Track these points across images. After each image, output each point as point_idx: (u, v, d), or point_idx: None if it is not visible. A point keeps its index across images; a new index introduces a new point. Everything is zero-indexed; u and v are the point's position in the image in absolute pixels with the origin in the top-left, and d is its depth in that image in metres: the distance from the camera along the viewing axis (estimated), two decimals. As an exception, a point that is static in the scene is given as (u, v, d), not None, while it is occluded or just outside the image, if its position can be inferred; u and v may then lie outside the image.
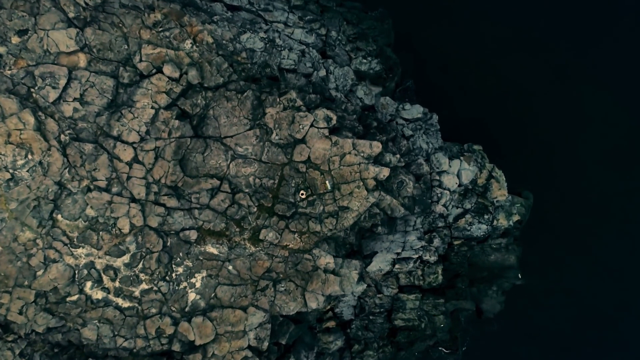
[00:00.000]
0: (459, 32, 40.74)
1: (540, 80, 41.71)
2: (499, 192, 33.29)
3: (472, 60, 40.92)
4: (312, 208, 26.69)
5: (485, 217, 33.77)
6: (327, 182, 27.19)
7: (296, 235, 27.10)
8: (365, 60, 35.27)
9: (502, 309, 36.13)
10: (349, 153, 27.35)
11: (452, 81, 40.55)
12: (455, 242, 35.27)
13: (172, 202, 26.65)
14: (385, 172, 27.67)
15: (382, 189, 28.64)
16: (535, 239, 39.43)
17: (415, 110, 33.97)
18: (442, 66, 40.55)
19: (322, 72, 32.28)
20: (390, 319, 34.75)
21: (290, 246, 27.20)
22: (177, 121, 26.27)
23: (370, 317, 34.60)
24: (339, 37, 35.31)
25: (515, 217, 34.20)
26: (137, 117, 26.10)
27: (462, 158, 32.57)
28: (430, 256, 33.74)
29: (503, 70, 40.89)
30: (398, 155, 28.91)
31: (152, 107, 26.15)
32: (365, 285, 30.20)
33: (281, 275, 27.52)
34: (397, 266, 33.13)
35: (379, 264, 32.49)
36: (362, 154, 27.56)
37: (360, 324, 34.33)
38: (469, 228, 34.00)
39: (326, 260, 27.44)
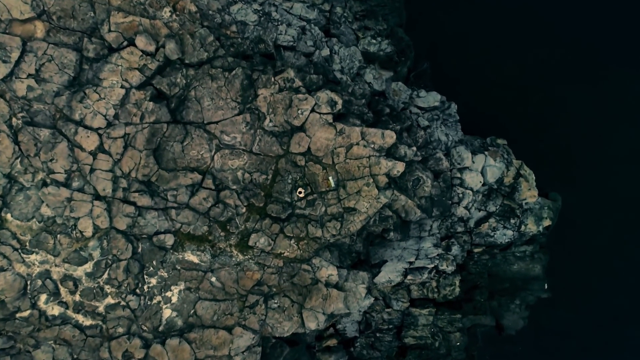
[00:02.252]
0: (478, 12, 36.40)
1: (567, 70, 37.45)
2: (529, 193, 28.92)
3: (492, 45, 36.50)
4: (312, 209, 22.72)
5: (512, 221, 29.43)
6: (330, 178, 22.80)
7: (292, 241, 23.14)
8: (374, 41, 30.94)
9: (526, 325, 32.87)
10: (357, 144, 22.95)
11: (470, 68, 36.08)
12: (476, 250, 31.08)
13: (144, 200, 22.60)
14: (399, 167, 23.28)
15: (396, 187, 24.20)
16: (563, 246, 35.45)
17: (431, 98, 29.72)
18: (458, 51, 36.16)
19: (325, 52, 27.90)
20: (399, 336, 31.25)
21: (285, 254, 23.15)
22: (151, 103, 22.47)
23: (377, 334, 31.06)
24: (345, 14, 31.01)
25: (546, 222, 29.90)
26: (104, 98, 22.32)
27: (486, 153, 28.08)
28: (447, 266, 29.57)
29: (527, 58, 36.64)
30: (414, 148, 24.51)
31: (122, 87, 22.37)
32: (372, 298, 26.00)
33: (274, 289, 23.14)
34: (409, 277, 29.08)
35: (389, 274, 28.54)
36: (372, 145, 23.14)
37: (366, 342, 31.04)
38: (492, 234, 29.72)
39: (328, 271, 23.05)
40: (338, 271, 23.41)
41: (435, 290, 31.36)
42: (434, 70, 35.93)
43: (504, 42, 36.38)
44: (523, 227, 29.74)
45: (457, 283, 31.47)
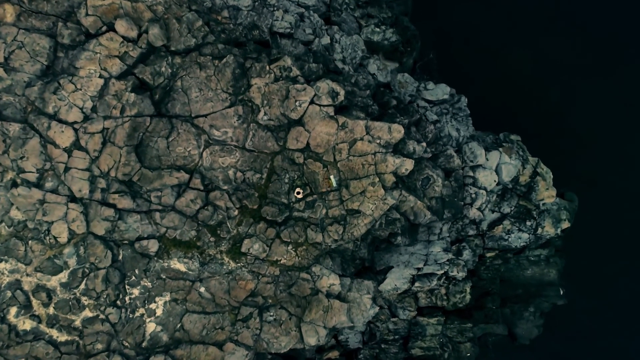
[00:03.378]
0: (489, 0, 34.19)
1: (584, 61, 35.57)
2: (547, 193, 26.74)
3: (503, 35, 34.85)
4: (312, 212, 21.08)
5: (528, 223, 27.29)
6: (331, 177, 20.92)
7: (290, 247, 21.35)
8: (378, 29, 28.86)
9: (540, 334, 31.05)
10: (361, 139, 20.83)
11: (479, 59, 34.44)
12: (488, 255, 29.04)
13: (125, 202, 20.72)
14: (408, 165, 21.15)
15: (404, 187, 22.01)
16: (579, 250, 33.35)
17: (440, 91, 27.59)
18: (467, 41, 34.58)
19: (326, 40, 25.69)
20: (406, 347, 29.24)
21: (282, 262, 21.34)
22: (133, 95, 20.69)
23: (382, 346, 29.00)
24: (347, 1, 28.96)
25: (565, 224, 27.78)
26: (80, 89, 20.52)
27: (501, 150, 25.83)
28: (457, 272, 27.39)
29: (541, 48, 34.91)
30: (424, 144, 22.34)
31: (101, 76, 20.59)
32: (377, 307, 23.73)
33: (270, 301, 21.04)
34: (416, 284, 26.93)
35: (395, 281, 26.43)
36: (378, 141, 20.97)
37: (370, 354, 28.98)
38: (506, 237, 27.61)
39: (329, 280, 20.94)
40: (340, 280, 21.27)
41: (445, 297, 29.38)
42: (441, 61, 33.92)
43: (517, 32, 34.71)
44: (540, 229, 27.60)
45: (468, 290, 29.43)
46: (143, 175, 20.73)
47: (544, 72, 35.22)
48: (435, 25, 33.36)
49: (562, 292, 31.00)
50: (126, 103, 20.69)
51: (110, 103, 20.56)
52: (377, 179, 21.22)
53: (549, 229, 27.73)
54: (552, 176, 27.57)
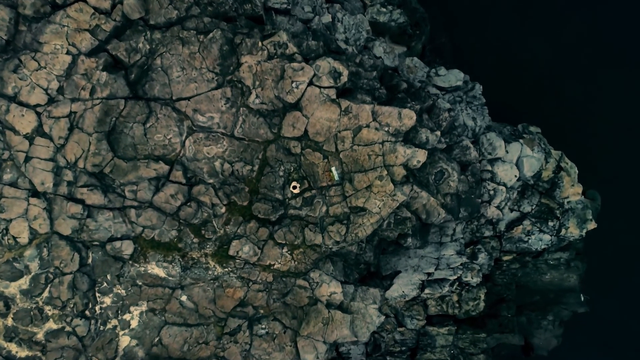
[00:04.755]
0: (504, -18, 31.97)
1: (606, 50, 33.18)
2: (572, 190, 24.17)
3: (519, 20, 32.59)
4: (310, 209, 18.83)
5: (550, 224, 24.72)
6: (333, 169, 18.72)
7: (285, 250, 19.04)
8: (384, 9, 26.35)
9: (559, 345, 29.67)
10: (367, 126, 18.30)
11: (493, 45, 32.48)
12: (505, 258, 26.67)
13: (96, 198, 18.40)
14: (420, 157, 18.61)
15: (415, 181, 19.31)
16: (602, 253, 31.84)
17: (453, 77, 25.08)
18: (480, 25, 32.32)
19: (327, 19, 23.04)
20: (414, 359, 27.00)
21: (275, 267, 19.15)
22: (105, 74, 18.29)
23: (388, 358, 26.88)
24: (350, -23, 26.10)
25: (591, 225, 25.29)
26: (45, 67, 18.20)
27: (522, 141, 23.13)
28: (472, 277, 24.95)
29: (560, 34, 32.62)
30: (438, 133, 19.63)
31: (68, 53, 18.23)
32: (383, 316, 21.13)
33: (261, 311, 18.57)
34: (426, 291, 24.58)
35: (403, 287, 24.19)
36: (386, 128, 18.41)
37: None
38: (526, 239, 25.13)
39: (330, 288, 18.46)
40: (342, 288, 18.74)
41: (457, 305, 27.16)
42: (452, 48, 31.37)
43: (533, 16, 32.49)
44: (563, 230, 25.06)
45: (482, 297, 27.15)
46: (116, 167, 18.37)
47: (562, 61, 33.31)
48: (446, 7, 30.86)
49: (583, 299, 29.42)
50: (97, 83, 18.33)
51: (78, 83, 18.22)
52: (385, 172, 18.60)
53: (573, 230, 25.12)
54: (577, 171, 25.08)
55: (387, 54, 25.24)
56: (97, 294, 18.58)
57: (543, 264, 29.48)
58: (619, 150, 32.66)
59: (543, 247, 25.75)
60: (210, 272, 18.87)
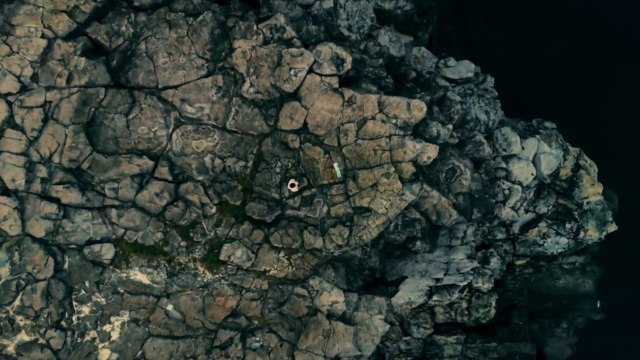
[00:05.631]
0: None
1: (623, 45, 31.79)
2: (592, 190, 22.51)
3: (532, 10, 31.13)
4: (310, 209, 17.35)
5: (568, 226, 23.11)
6: (335, 166, 17.15)
7: (282, 254, 17.47)
8: (390, -4, 24.45)
9: (574, 354, 28.42)
10: (373, 118, 16.69)
11: (503, 37, 31.27)
12: (518, 262, 24.97)
13: (72, 196, 16.72)
14: (431, 152, 16.98)
15: (425, 179, 17.60)
16: (619, 257, 30.72)
17: (463, 68, 23.49)
18: (490, 16, 31.26)
19: (328, 4, 21.32)
20: None
21: (271, 273, 17.53)
22: (83, 59, 16.70)
23: None
24: (353, -38, 24.38)
25: (611, 227, 23.60)
26: (18, 52, 16.58)
27: (538, 137, 21.46)
28: (483, 283, 23.38)
29: (574, 27, 31.37)
30: (450, 126, 17.95)
31: (44, 36, 16.67)
32: (387, 325, 19.38)
33: (255, 322, 16.97)
34: (434, 297, 23.04)
35: (409, 294, 22.68)
36: (394, 121, 16.77)
37: None
38: (541, 242, 23.54)
39: (331, 297, 16.97)
40: (345, 296, 17.11)
41: (466, 312, 25.62)
42: (460, 38, 29.81)
43: (547, 8, 30.70)
44: (582, 233, 23.33)
45: (493, 304, 25.55)
46: (95, 162, 16.68)
47: (575, 53, 32.00)
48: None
49: (599, 306, 28.24)
50: (75, 70, 16.71)
51: (54, 70, 16.60)
52: (393, 169, 16.92)
53: (592, 233, 23.43)
54: (597, 170, 23.34)
55: (393, 43, 23.58)
56: (74, 303, 16.81)
57: (557, 269, 27.90)
58: (636, 149, 31.18)
59: (559, 250, 24.09)
60: (199, 279, 17.13)
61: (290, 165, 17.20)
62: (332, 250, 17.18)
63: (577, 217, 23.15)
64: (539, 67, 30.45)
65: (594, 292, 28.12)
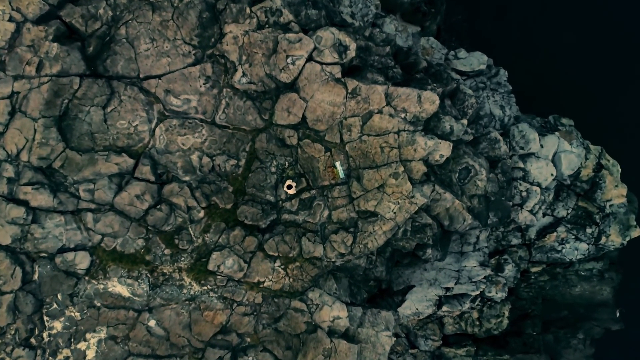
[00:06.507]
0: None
1: (635, 37, 30.24)
2: (615, 192, 20.96)
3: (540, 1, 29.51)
4: (309, 214, 15.83)
5: (588, 231, 21.40)
6: (337, 165, 15.58)
7: (278, 263, 15.92)
8: (395, -17, 22.83)
9: None
10: (380, 112, 15.06)
11: (515, 28, 30.01)
12: (533, 269, 23.39)
13: (43, 199, 15.20)
14: (444, 150, 15.39)
15: (437, 180, 15.85)
16: (638, 263, 28.75)
17: (475, 60, 21.93)
18: (501, 6, 29.70)
19: (330, -10, 19.47)
20: None
21: (266, 284, 16.02)
22: (56, 45, 15.14)
23: None
24: (356, -54, 22.72)
25: (635, 232, 21.94)
26: None
27: (557, 134, 19.73)
28: (496, 292, 21.87)
29: (591, 19, 29.75)
30: (465, 121, 16.23)
31: (11, 20, 15.23)
32: (393, 338, 17.52)
33: (248, 340, 15.51)
34: (444, 308, 21.54)
35: (416, 304, 21.26)
36: (403, 115, 15.13)
37: None
38: (559, 248, 21.97)
39: (333, 311, 15.41)
40: (348, 311, 15.51)
41: (477, 323, 24.35)
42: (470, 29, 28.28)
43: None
44: (603, 238, 21.67)
45: (506, 314, 24.02)
46: (68, 160, 15.16)
47: (589, 47, 30.49)
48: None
49: (618, 315, 27.23)
50: (46, 57, 15.16)
51: (23, 57, 15.11)
52: (402, 169, 15.22)
53: (614, 238, 21.82)
54: (620, 170, 21.64)
55: (400, 33, 21.94)
56: (45, 318, 15.28)
57: (573, 275, 26.47)
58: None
59: (579, 257, 22.45)
60: (185, 291, 15.48)
61: (287, 164, 15.58)
62: (333, 259, 15.56)
63: (598, 221, 21.47)
64: (551, 60, 28.92)
65: (612, 300, 27.19)
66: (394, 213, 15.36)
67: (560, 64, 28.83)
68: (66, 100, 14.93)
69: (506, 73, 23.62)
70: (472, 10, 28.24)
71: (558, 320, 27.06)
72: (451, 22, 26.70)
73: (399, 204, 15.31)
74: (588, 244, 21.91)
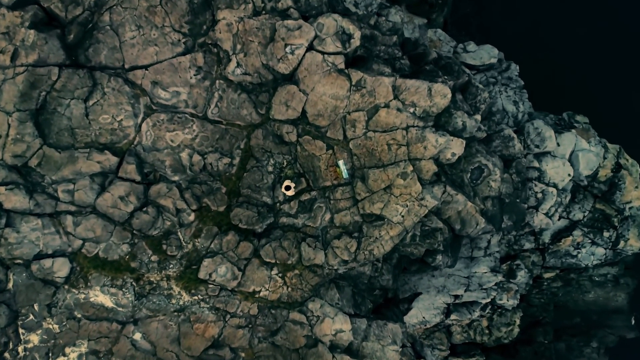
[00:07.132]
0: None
1: None
2: (635, 193, 19.88)
3: None
4: (309, 217, 14.83)
5: (606, 234, 20.23)
6: (340, 164, 14.47)
7: (275, 271, 14.81)
8: (401, -28, 21.75)
9: None
10: (387, 106, 14.00)
11: (526, 21, 28.91)
12: (546, 275, 22.28)
13: (17, 200, 14.15)
14: (456, 148, 14.26)
15: (448, 180, 14.65)
16: None
17: (485, 53, 20.87)
18: (508, 2, 28.58)
19: (331, -22, 18.28)
20: None
21: (262, 294, 14.93)
22: (33, 32, 14.02)
23: None
24: None
25: None
26: None
27: (574, 132, 18.53)
28: (508, 299, 20.85)
29: (604, 12, 28.72)
30: (478, 117, 15.09)
31: None
32: (400, 348, 16.35)
33: (242, 355, 14.53)
34: (453, 316, 20.32)
35: (423, 312, 20.26)
36: (411, 109, 14.03)
37: None
38: (574, 253, 20.88)
39: (335, 324, 14.41)
40: (352, 323, 14.25)
41: (486, 331, 23.32)
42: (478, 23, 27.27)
43: None
44: (622, 243, 20.42)
45: (517, 322, 22.93)
46: (46, 158, 14.08)
47: (603, 43, 29.53)
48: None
49: (633, 322, 26.44)
50: (22, 45, 14.05)
51: None
52: (411, 168, 14.04)
53: (634, 243, 20.69)
54: (639, 170, 20.35)
55: (406, 24, 20.84)
56: (21, 330, 14.24)
57: (586, 281, 25.46)
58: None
59: (595, 262, 21.25)
60: (173, 302, 14.39)
61: (285, 163, 14.55)
62: (335, 267, 14.47)
63: (616, 224, 20.27)
64: (562, 55, 27.80)
65: (627, 307, 26.26)
66: (402, 216, 14.16)
67: (572, 60, 27.75)
68: (44, 93, 13.82)
69: (518, 67, 22.54)
70: (481, 2, 27.12)
71: (570, 327, 26.23)
72: (459, 15, 25.55)
73: (407, 206, 14.11)
74: (605, 249, 20.72)
